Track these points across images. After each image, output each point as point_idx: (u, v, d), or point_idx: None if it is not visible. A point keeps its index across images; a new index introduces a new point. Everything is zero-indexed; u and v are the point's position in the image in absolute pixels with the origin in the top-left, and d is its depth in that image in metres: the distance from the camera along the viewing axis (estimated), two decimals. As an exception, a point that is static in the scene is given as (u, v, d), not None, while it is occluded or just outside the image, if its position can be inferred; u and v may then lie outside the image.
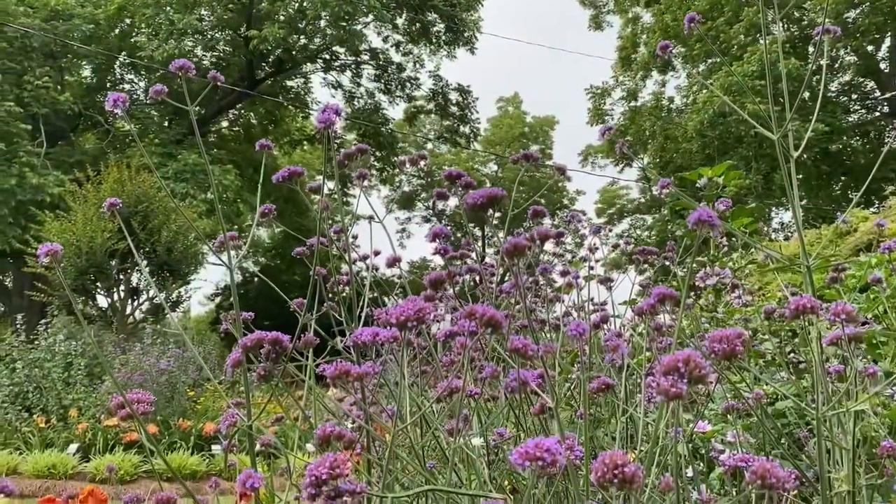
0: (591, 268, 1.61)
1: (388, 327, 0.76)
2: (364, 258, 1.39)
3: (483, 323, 0.64)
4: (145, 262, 9.12)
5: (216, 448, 5.96)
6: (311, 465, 0.58)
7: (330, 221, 1.21)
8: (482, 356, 1.07)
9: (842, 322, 0.69)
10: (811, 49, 15.06)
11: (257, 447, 1.01)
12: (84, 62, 16.76)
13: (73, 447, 6.00)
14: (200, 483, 5.58)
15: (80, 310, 9.19)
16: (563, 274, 1.31)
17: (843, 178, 17.46)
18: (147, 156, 1.15)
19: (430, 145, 25.85)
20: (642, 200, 25.00)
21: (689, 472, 1.08)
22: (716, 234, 0.61)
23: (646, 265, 1.57)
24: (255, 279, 20.20)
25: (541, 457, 0.48)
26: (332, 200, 1.20)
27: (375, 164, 18.39)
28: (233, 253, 1.09)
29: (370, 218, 1.21)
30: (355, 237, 1.14)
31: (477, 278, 1.43)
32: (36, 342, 7.31)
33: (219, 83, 1.18)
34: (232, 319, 1.33)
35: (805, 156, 15.65)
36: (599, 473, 0.55)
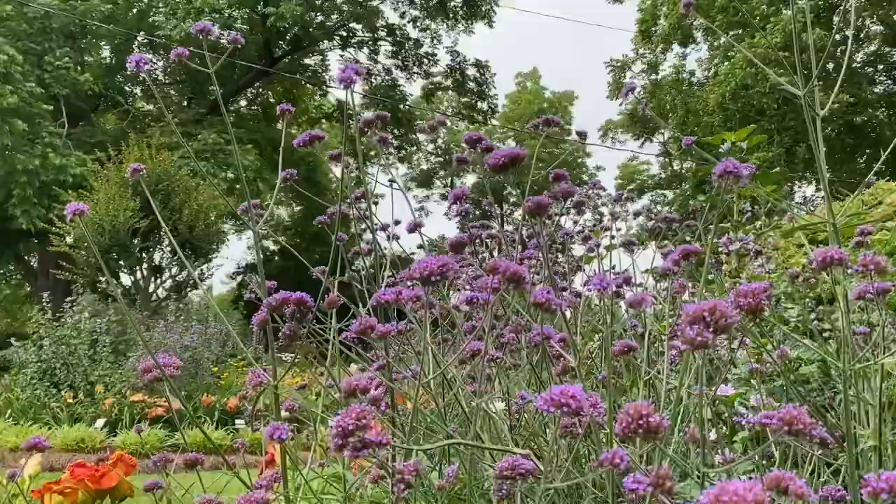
0: (613, 237, 1.60)
1: (412, 287, 0.76)
2: (385, 227, 1.39)
3: (506, 278, 0.64)
4: (168, 240, 9.21)
5: (240, 422, 6.04)
6: (338, 416, 0.59)
7: (349, 191, 1.21)
8: (501, 324, 1.07)
9: (870, 273, 0.68)
10: (836, 19, 14.76)
11: (283, 412, 1.02)
12: (103, 42, 16.83)
13: (101, 422, 6.11)
14: (225, 456, 5.67)
15: (111, 282, 9.32)
16: (585, 239, 1.31)
17: (867, 151, 17.18)
18: (175, 128, 1.15)
19: (447, 122, 25.73)
20: (663, 176, 24.80)
21: (713, 436, 1.08)
22: (742, 183, 0.61)
23: (665, 240, 1.56)
24: (276, 258, 20.29)
25: (566, 403, 0.49)
26: (350, 175, 1.21)
27: (393, 141, 18.35)
28: (255, 222, 1.09)
29: (390, 182, 1.21)
30: (376, 203, 1.14)
31: (497, 248, 1.43)
32: (62, 320, 7.42)
33: (238, 61, 1.17)
34: (256, 287, 1.35)
35: (829, 128, 15.41)
36: (624, 424, 0.55)
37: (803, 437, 0.49)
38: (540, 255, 0.78)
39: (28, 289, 18.24)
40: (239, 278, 24.48)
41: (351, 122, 0.97)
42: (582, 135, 1.24)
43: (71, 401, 6.54)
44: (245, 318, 12.56)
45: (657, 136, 22.91)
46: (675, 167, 23.89)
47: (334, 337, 0.92)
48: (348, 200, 1.02)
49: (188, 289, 10.37)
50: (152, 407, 6.28)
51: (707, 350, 0.65)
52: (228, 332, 8.50)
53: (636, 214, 1.65)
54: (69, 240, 9.21)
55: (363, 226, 1.25)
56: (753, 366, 1.09)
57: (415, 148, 23.81)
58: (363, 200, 1.15)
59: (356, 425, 0.58)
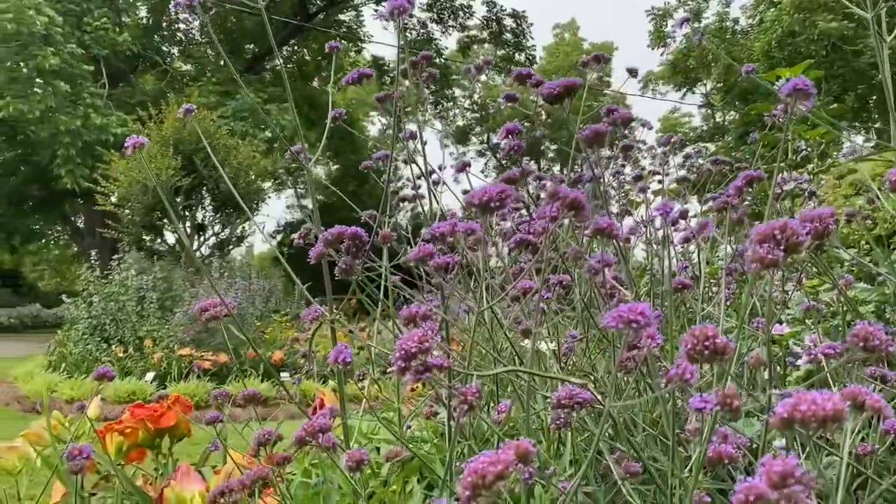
0: (661, 182, 1.57)
1: (467, 219, 0.76)
2: (430, 173, 1.38)
3: (566, 205, 0.63)
4: (209, 199, 9.33)
5: (284, 375, 6.17)
6: (400, 339, 0.59)
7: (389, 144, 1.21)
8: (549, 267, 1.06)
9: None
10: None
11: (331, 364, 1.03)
12: (140, 2, 16.90)
13: (150, 375, 6.29)
14: (270, 408, 5.81)
15: (176, 224, 9.50)
16: (637, 179, 1.29)
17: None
18: (234, 73, 1.15)
19: (483, 77, 25.40)
20: (704, 128, 24.25)
21: (766, 375, 1.06)
22: (810, 104, 0.58)
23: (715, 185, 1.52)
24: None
25: (634, 319, 0.48)
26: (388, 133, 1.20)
27: (430, 96, 18.19)
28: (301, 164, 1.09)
29: (434, 124, 1.20)
30: (424, 143, 1.14)
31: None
32: (110, 277, 7.61)
33: (273, 17, 1.16)
34: (303, 235, 1.36)
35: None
36: (689, 346, 0.54)
37: (878, 353, 0.48)
38: (593, 188, 0.77)
39: (75, 249, 18.71)
40: (279, 237, 24.78)
41: (401, 54, 0.96)
42: (632, 72, 1.21)
43: (121, 355, 6.74)
44: (287, 275, 12.73)
45: (699, 88, 22.35)
46: (718, 119, 23.35)
47: (386, 277, 0.92)
48: (400, 138, 1.02)
49: (230, 246, 10.55)
50: (199, 360, 6.44)
51: (770, 280, 0.64)
52: (271, 288, 8.65)
53: (686, 157, 1.62)
54: (113, 199, 9.39)
55: (405, 173, 1.25)
56: (809, 303, 1.07)
57: (451, 104, 23.62)
58: (411, 142, 1.14)
59: (419, 348, 0.58)
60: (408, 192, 1.42)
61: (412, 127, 1.22)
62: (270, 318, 8.01)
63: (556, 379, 0.81)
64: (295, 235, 1.39)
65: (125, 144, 0.73)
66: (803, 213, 0.63)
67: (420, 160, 1.26)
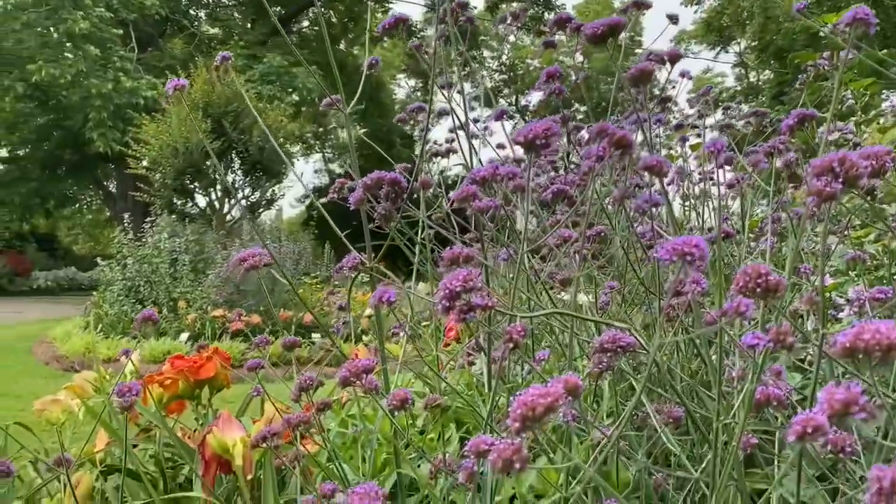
0: (700, 135, 1.54)
1: (509, 162, 0.75)
2: (463, 126, 1.36)
3: (614, 143, 0.62)
4: (239, 162, 9.37)
5: (315, 336, 6.24)
6: (445, 279, 0.58)
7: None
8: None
9: None
10: None
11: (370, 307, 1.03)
12: (167, -35, 16.85)
13: (184, 336, 6.40)
14: (301, 367, 5.90)
15: (220, 174, 9.57)
16: (678, 128, 1.26)
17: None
18: (278, 26, 1.14)
19: (512, 37, 25.07)
20: (738, 88, 23.72)
21: (810, 325, 1.05)
22: (872, 30, 0.56)
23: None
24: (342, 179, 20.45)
25: (689, 252, 0.47)
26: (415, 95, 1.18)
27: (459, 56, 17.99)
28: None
29: (466, 71, 1.18)
30: (461, 92, 1.12)
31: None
32: (143, 240, 7.71)
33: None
34: (337, 189, 1.35)
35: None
36: (741, 283, 0.53)
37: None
38: (638, 130, 0.75)
39: (108, 213, 18.98)
40: (307, 201, 24.89)
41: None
42: (673, 18, 1.18)
43: (158, 312, 6.86)
44: (316, 239, 12.82)
45: (733, 47, 21.83)
46: (752, 79, 22.82)
47: (423, 227, 0.92)
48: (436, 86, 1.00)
49: (260, 210, 10.62)
50: (232, 321, 6.54)
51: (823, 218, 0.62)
52: (301, 251, 8.72)
53: (726, 108, 1.58)
54: (145, 163, 9.48)
55: (433, 136, 1.23)
56: (854, 253, 1.04)
57: (478, 65, 23.32)
58: (448, 91, 1.12)
59: (463, 287, 0.57)
60: (440, 147, 1.41)
61: (445, 81, 1.20)
62: (301, 280, 8.08)
63: (599, 323, 0.81)
64: (331, 190, 1.39)
65: (166, 87, 0.72)
66: (860, 150, 0.61)
67: (457, 111, 1.24)
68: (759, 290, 0.52)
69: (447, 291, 0.58)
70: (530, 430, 0.46)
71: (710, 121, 1.63)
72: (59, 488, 1.26)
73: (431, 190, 1.18)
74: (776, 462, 0.91)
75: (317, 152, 23.38)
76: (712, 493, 0.65)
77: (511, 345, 0.58)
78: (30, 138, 15.34)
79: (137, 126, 9.88)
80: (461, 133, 1.37)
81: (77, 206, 19.45)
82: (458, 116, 1.07)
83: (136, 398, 0.64)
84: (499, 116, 1.09)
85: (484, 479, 0.84)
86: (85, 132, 13.29)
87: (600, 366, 0.71)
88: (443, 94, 1.19)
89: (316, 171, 25.31)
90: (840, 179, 0.49)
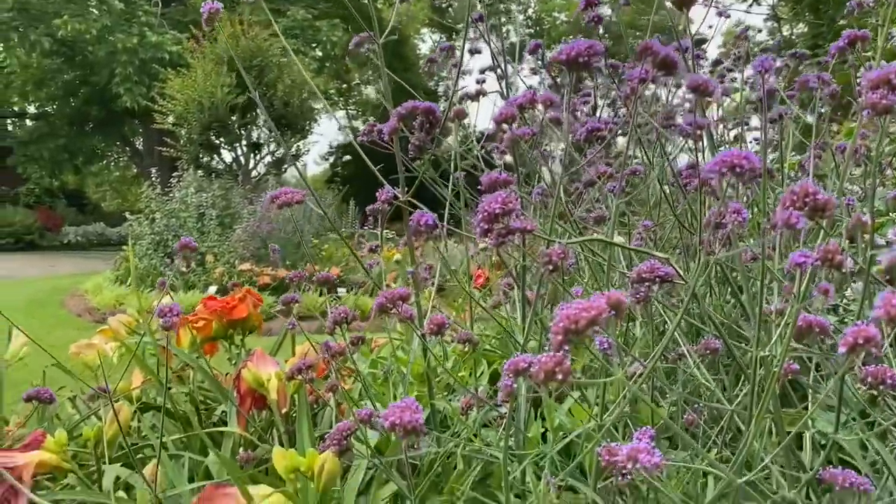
0: (735, 80, 1.50)
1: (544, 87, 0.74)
2: (496, 63, 1.34)
3: (657, 63, 0.60)
4: (263, 117, 9.36)
5: (341, 290, 6.29)
6: (483, 202, 0.58)
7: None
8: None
9: None
10: None
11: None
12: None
13: (213, 289, 6.47)
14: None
15: (266, 118, 9.59)
16: (716, 64, 1.23)
17: None
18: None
19: (539, -9, 24.58)
20: (770, 42, 23.10)
21: (850, 263, 1.03)
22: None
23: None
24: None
25: (739, 164, 0.46)
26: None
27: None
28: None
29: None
30: (487, 41, 1.10)
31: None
32: (170, 195, 7.78)
33: None
34: (367, 131, 1.34)
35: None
36: (788, 202, 0.52)
37: None
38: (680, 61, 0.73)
39: (135, 170, 19.14)
40: (331, 158, 24.87)
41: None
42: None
43: (184, 269, 6.95)
44: (341, 196, 12.84)
45: (766, -1, 21.18)
46: (785, 33, 22.21)
47: (456, 166, 0.91)
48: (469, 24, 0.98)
49: (285, 165, 10.64)
50: (259, 275, 6.61)
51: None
52: (328, 206, 8.74)
53: (764, 50, 1.54)
54: (171, 119, 9.50)
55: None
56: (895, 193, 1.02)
57: (504, 19, 22.94)
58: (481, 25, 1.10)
59: (503, 209, 0.57)
60: (470, 89, 1.39)
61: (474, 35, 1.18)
62: (326, 236, 8.12)
63: (638, 251, 0.80)
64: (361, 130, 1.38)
65: (201, 10, 0.71)
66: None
67: (489, 51, 1.23)
68: (807, 208, 0.51)
69: (486, 214, 0.58)
70: (572, 343, 0.46)
71: (748, 72, 1.59)
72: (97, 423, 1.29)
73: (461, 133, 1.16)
74: (810, 402, 0.91)
75: (340, 109, 23.27)
76: (749, 422, 0.65)
77: (550, 267, 0.57)
78: (57, 94, 15.44)
79: (163, 81, 9.89)
80: (490, 78, 1.35)
81: (105, 162, 19.63)
82: (492, 51, 1.05)
83: (176, 319, 0.65)
84: (533, 50, 1.07)
85: (517, 409, 0.84)
86: (111, 88, 13.33)
87: (637, 296, 0.71)
88: (476, 30, 1.17)
89: (340, 129, 25.23)
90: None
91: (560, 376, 0.45)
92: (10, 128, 18.10)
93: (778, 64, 1.61)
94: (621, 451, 0.49)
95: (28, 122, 17.61)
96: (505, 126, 0.73)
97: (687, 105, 0.88)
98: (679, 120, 0.78)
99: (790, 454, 0.76)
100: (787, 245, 0.87)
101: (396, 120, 0.76)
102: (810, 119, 0.91)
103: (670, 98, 0.75)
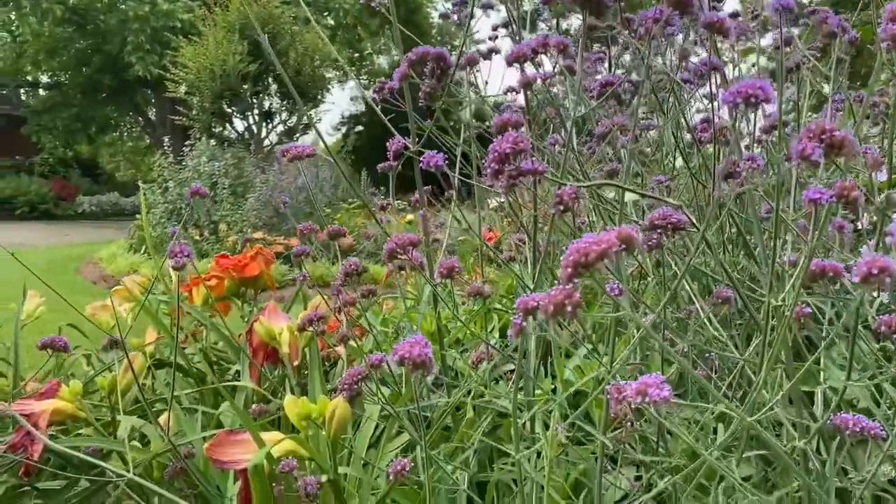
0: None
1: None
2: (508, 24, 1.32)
3: (671, 2, 0.59)
4: (276, 86, 9.33)
5: (353, 259, 6.29)
6: (494, 142, 0.57)
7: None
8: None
9: None
10: None
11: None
12: None
13: (226, 258, 6.50)
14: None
15: (285, 77, 9.60)
16: (733, 16, 1.21)
17: None
18: None
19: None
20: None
21: (865, 221, 1.02)
22: None
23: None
24: (378, 107, 20.33)
25: (753, 94, 0.45)
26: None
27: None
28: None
29: None
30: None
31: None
32: (183, 163, 7.79)
33: None
34: (378, 88, 1.33)
35: None
36: (805, 138, 0.51)
37: None
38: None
39: (148, 141, 19.18)
40: (343, 129, 24.78)
41: None
42: None
43: (198, 238, 6.99)
44: (352, 166, 12.82)
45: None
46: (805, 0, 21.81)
47: (467, 126, 0.90)
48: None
49: (298, 134, 10.62)
50: (272, 244, 6.63)
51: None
52: (338, 177, 8.73)
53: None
54: (183, 89, 9.48)
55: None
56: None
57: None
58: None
59: (513, 148, 0.56)
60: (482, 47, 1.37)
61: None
62: (339, 205, 8.12)
63: (650, 198, 0.79)
64: (374, 88, 1.37)
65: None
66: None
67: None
68: (824, 144, 0.50)
69: (496, 154, 0.57)
70: (582, 277, 0.45)
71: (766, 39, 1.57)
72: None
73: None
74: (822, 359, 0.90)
75: (352, 79, 23.15)
76: (760, 366, 0.64)
77: (561, 207, 0.57)
78: (69, 63, 15.43)
79: (175, 49, 9.86)
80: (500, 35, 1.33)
81: (118, 132, 19.67)
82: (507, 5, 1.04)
83: (187, 259, 0.65)
84: (546, 0, 1.05)
85: (527, 358, 0.85)
86: (123, 56, 13.31)
87: (649, 243, 0.70)
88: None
89: (352, 99, 25.11)
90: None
91: (569, 308, 0.45)
92: (23, 97, 18.15)
93: (796, 32, 1.58)
94: (630, 387, 0.48)
95: (41, 92, 17.64)
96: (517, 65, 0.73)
97: (700, 51, 0.87)
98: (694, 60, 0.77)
99: (801, 406, 0.75)
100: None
101: (407, 66, 0.75)
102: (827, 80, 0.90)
103: (685, 42, 0.73)
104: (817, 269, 0.61)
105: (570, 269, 0.45)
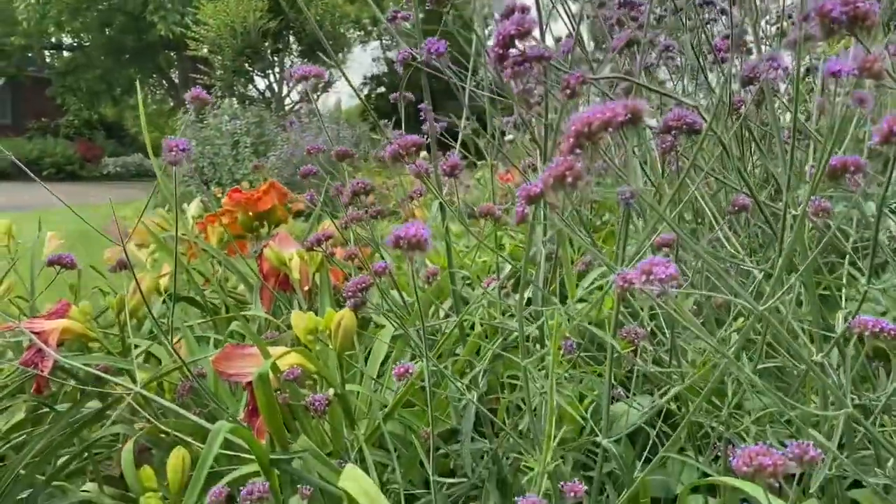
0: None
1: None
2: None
3: None
4: (297, 44, 9.27)
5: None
6: (499, 27, 0.55)
7: None
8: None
9: None
10: None
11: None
12: None
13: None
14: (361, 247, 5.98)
15: (316, 28, 9.55)
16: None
17: None
18: None
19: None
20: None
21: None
22: None
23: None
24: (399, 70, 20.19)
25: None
26: None
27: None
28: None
29: None
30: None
31: None
32: (205, 122, 7.80)
33: None
34: (390, 18, 1.30)
35: None
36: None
37: None
38: None
39: (171, 104, 19.21)
40: (365, 90, 24.64)
41: None
42: None
43: (220, 196, 7.01)
44: (373, 129, 12.75)
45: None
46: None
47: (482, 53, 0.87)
48: None
49: (319, 93, 10.52)
50: (294, 202, 6.63)
51: None
52: (359, 137, 8.70)
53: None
54: (205, 49, 9.45)
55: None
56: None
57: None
58: None
59: (518, 30, 0.54)
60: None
61: None
62: (358, 165, 8.09)
63: (666, 96, 0.77)
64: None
65: None
66: None
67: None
68: (846, 17, 0.47)
69: (500, 37, 0.55)
70: (584, 147, 0.43)
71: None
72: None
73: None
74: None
75: (375, 39, 22.97)
76: (773, 265, 0.62)
77: (569, 92, 0.55)
78: (92, 24, 15.43)
79: (196, 7, 9.81)
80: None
81: (142, 94, 19.70)
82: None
83: (184, 153, 0.63)
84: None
85: (538, 270, 0.83)
86: (145, 16, 13.28)
87: (663, 145, 0.68)
88: None
89: (374, 60, 24.91)
90: None
91: (570, 180, 0.43)
92: (48, 59, 18.23)
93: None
94: (635, 271, 0.46)
95: (65, 53, 17.69)
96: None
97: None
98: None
99: (819, 317, 0.73)
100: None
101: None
102: None
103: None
104: (838, 164, 0.59)
105: (572, 140, 0.43)
